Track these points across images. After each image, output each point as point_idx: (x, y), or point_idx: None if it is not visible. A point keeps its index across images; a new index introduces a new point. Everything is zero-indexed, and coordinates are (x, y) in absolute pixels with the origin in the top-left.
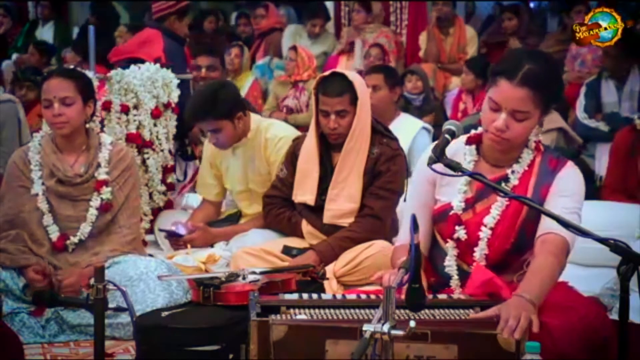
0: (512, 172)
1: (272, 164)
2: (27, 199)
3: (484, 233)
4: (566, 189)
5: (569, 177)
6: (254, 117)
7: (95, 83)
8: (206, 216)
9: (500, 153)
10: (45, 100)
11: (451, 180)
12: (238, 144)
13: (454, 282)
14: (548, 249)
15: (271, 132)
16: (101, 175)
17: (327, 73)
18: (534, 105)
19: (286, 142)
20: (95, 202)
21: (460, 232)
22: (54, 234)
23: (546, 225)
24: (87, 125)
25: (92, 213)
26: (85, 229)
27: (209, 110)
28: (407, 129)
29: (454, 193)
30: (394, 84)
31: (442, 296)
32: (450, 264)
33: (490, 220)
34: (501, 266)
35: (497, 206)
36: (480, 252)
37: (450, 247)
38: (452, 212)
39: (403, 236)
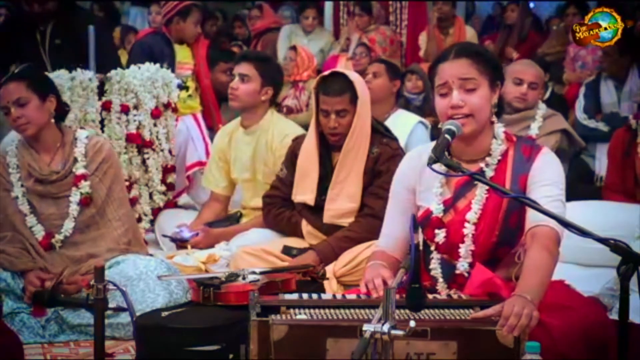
0: (487, 165)
1: (278, 159)
2: (10, 202)
3: (468, 229)
4: (545, 177)
5: (546, 165)
6: (270, 109)
7: (95, 83)
8: (213, 213)
9: (469, 144)
10: (4, 108)
11: (428, 184)
12: (250, 129)
13: (440, 285)
14: (540, 242)
15: (281, 126)
16: (79, 169)
17: (327, 72)
18: (478, 72)
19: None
20: (75, 197)
21: (440, 236)
22: (39, 234)
23: (534, 217)
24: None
25: (74, 208)
26: (68, 225)
27: (258, 59)
28: (404, 124)
29: (433, 197)
30: (395, 76)
31: (441, 296)
32: (434, 267)
33: (472, 216)
34: (492, 261)
35: (477, 201)
36: (465, 248)
37: (434, 251)
38: (432, 216)
39: (383, 243)
